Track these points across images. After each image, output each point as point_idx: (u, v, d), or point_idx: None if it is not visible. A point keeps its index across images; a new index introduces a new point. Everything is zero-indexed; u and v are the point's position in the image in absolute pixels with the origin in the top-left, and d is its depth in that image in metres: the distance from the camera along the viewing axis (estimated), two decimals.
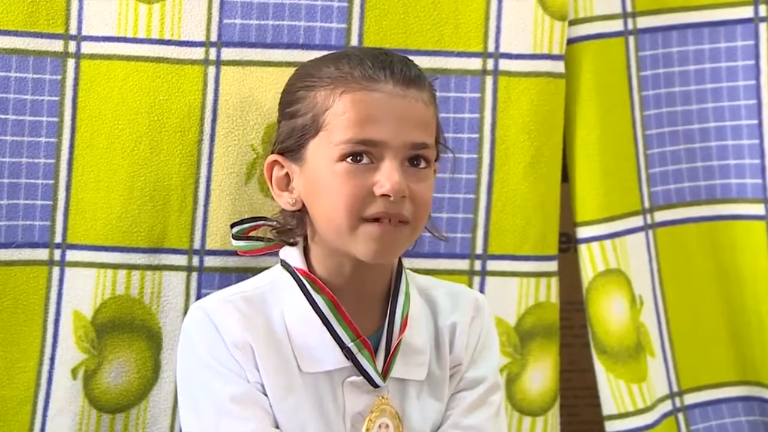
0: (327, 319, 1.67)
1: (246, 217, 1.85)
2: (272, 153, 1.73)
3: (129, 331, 1.90)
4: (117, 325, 1.89)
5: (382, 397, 1.69)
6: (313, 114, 1.66)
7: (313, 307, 1.68)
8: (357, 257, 1.66)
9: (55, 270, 1.88)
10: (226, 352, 1.65)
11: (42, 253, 1.88)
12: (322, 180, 1.65)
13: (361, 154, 1.63)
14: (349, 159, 1.63)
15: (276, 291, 1.71)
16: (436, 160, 1.72)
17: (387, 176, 1.62)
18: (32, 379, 1.87)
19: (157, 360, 1.91)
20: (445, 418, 1.74)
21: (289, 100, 1.72)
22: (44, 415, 1.88)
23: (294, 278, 1.70)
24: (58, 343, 1.88)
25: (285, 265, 1.72)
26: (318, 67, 1.70)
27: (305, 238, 1.73)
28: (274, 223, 1.76)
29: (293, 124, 1.69)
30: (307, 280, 1.69)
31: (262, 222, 1.81)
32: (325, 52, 1.79)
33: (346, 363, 1.68)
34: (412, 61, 1.70)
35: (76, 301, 1.88)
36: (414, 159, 1.66)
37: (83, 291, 1.88)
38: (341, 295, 1.69)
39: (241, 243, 1.81)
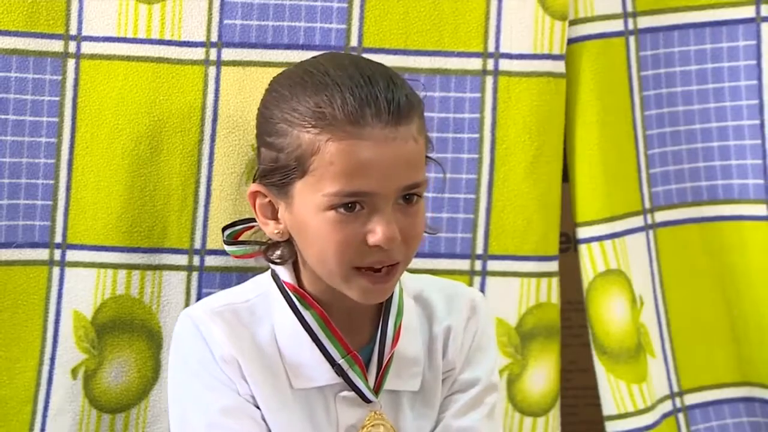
0: (316, 335, 1.65)
1: (243, 218, 1.83)
2: (254, 181, 1.67)
3: (129, 331, 1.90)
4: (117, 325, 1.90)
5: (375, 412, 1.67)
6: (298, 156, 1.57)
7: (302, 323, 1.65)
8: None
9: (55, 270, 1.88)
10: (215, 364, 1.63)
11: (42, 253, 1.88)
12: (310, 226, 1.59)
13: (353, 203, 1.56)
14: (340, 209, 1.57)
15: (266, 304, 1.68)
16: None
17: (380, 226, 1.56)
18: (32, 379, 1.88)
19: (158, 360, 1.91)
20: (438, 421, 1.72)
21: (268, 129, 1.63)
22: (44, 415, 1.88)
23: (282, 293, 1.67)
24: (58, 343, 1.88)
25: (274, 277, 1.69)
26: (297, 98, 1.59)
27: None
28: None
29: (276, 157, 1.60)
30: (295, 296, 1.66)
31: (254, 224, 1.77)
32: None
33: (337, 379, 1.65)
34: (396, 81, 1.60)
35: (76, 301, 1.89)
36: (406, 196, 1.59)
37: (83, 291, 1.89)
38: (331, 310, 1.66)
39: (234, 248, 1.77)
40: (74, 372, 1.89)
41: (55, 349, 1.88)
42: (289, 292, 1.67)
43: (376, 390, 1.67)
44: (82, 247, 1.89)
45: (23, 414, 1.87)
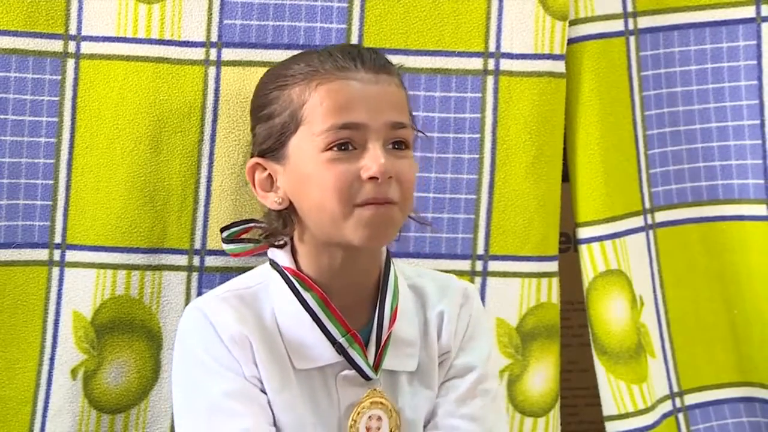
0: (317, 315, 1.69)
1: (238, 219, 1.85)
2: (251, 157, 1.74)
3: (129, 331, 1.90)
4: (117, 325, 1.90)
5: (374, 390, 1.71)
6: (291, 111, 1.68)
7: (302, 305, 1.69)
8: (352, 244, 1.66)
9: (55, 270, 1.88)
10: (222, 348, 1.66)
11: (42, 254, 1.88)
12: (308, 172, 1.66)
13: (346, 143, 1.65)
14: (334, 148, 1.65)
15: (267, 290, 1.72)
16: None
17: (372, 159, 1.64)
18: (32, 379, 1.88)
19: (157, 360, 1.91)
20: (437, 405, 1.76)
21: (261, 103, 1.73)
22: (44, 416, 1.88)
23: (282, 277, 1.71)
24: (58, 343, 1.88)
25: (273, 264, 1.73)
26: (287, 67, 1.72)
27: (291, 239, 1.74)
28: (264, 224, 1.77)
29: (270, 125, 1.71)
30: (295, 279, 1.70)
31: (252, 224, 1.82)
32: None
33: (338, 358, 1.69)
34: (380, 52, 1.73)
35: (75, 302, 1.89)
36: (395, 142, 1.68)
37: (83, 291, 1.89)
38: (330, 291, 1.70)
39: (232, 246, 1.81)
40: (74, 372, 1.89)
41: (54, 349, 1.88)
42: (290, 275, 1.71)
43: (375, 368, 1.71)
44: (81, 248, 1.89)
45: (23, 414, 1.87)
